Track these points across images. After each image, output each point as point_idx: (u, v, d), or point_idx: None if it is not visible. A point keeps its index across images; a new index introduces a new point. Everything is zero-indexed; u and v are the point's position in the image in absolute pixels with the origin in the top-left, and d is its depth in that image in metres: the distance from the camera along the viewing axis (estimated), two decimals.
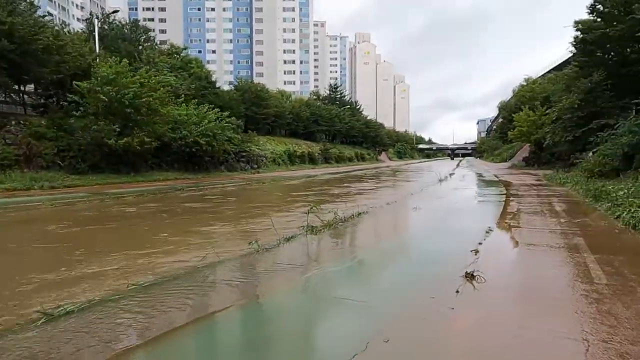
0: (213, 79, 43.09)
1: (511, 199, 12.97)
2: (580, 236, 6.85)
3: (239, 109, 41.13)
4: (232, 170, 32.09)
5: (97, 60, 25.92)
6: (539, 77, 54.47)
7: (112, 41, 38.83)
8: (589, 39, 26.46)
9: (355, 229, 8.25)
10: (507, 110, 51.35)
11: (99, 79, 21.45)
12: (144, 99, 21.62)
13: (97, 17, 36.99)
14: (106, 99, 20.54)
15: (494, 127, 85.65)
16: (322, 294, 4.39)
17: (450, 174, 29.67)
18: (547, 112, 35.81)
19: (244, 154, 35.04)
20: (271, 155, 40.40)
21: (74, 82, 21.70)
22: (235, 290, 4.38)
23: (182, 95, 28.08)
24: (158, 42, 46.49)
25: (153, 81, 22.92)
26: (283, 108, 50.03)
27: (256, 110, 44.17)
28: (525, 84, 52.67)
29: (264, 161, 37.89)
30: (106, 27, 41.23)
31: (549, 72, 56.71)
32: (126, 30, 44.44)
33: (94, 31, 38.03)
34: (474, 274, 4.58)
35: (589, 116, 26.33)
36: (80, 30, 40.09)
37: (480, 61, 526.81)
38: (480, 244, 6.35)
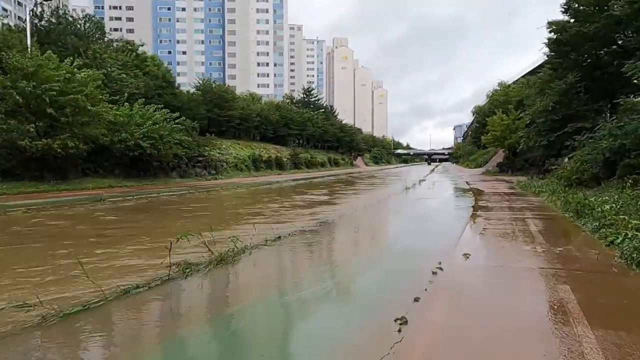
0: (172, 79, 40.20)
1: (479, 213, 10.86)
2: (566, 282, 4.65)
3: (199, 111, 38.41)
4: (185, 176, 29.32)
5: (29, 54, 22.90)
6: (513, 82, 53.57)
7: (60, 36, 35.66)
8: (563, 39, 25.03)
9: (243, 270, 5.88)
10: (481, 115, 50.12)
11: (16, 73, 18.53)
12: (70, 96, 18.78)
13: (34, 9, 33.74)
14: (19, 97, 17.63)
15: (469, 132, 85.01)
16: None
17: (421, 181, 27.74)
18: (520, 115, 34.44)
19: (201, 159, 32.30)
20: (234, 160, 37.72)
21: None
22: None
23: (126, 94, 25.18)
24: (115, 39, 43.23)
25: (83, 75, 20.05)
26: (250, 110, 47.39)
27: (219, 112, 41.41)
28: (499, 88, 51.57)
29: (225, 167, 35.19)
30: (54, 20, 37.96)
31: (522, 77, 56.02)
32: (79, 26, 41.21)
33: (38, 24, 35.01)
34: None
35: (564, 119, 24.86)
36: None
37: (457, 69, 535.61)
38: (416, 299, 4.07)
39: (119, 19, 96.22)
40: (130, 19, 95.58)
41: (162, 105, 27.39)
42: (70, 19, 40.81)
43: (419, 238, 7.83)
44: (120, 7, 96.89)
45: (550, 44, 26.68)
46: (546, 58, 29.88)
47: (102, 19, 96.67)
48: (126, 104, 24.46)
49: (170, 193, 18.89)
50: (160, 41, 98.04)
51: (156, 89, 34.52)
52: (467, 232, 8.14)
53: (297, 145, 65.33)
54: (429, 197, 16.86)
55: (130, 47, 40.89)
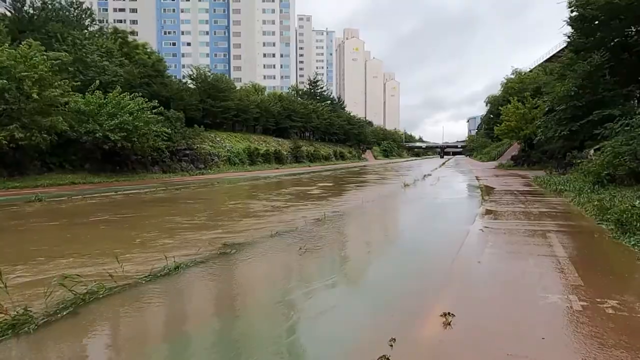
0: (163, 68, 37.88)
1: (484, 222, 8.21)
2: None
3: (190, 101, 36.07)
4: (169, 171, 27.01)
5: None
6: (529, 70, 49.77)
7: (44, 23, 33.65)
8: (588, 14, 21.91)
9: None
10: (495, 104, 46.66)
11: None
12: (9, 81, 16.40)
13: None
14: None
15: (483, 124, 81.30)
16: None
17: (425, 176, 24.94)
18: (537, 104, 31.24)
19: (188, 152, 29.96)
20: (227, 153, 35.33)
21: None
22: None
23: (97, 81, 22.78)
24: (104, 26, 41.06)
25: (36, 59, 17.63)
26: (248, 101, 44.86)
27: (213, 102, 38.96)
28: (513, 76, 47.73)
29: (215, 161, 32.82)
30: (37, 6, 35.96)
31: (539, 65, 52.29)
32: (67, 13, 39.14)
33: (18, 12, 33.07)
34: None
35: (588, 106, 21.86)
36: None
37: (470, 61, 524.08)
38: None
39: (123, 10, 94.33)
40: (133, 10, 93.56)
41: (141, 94, 24.97)
42: (58, 5, 38.78)
43: (381, 290, 5.12)
44: None
45: (573, 20, 23.60)
46: (567, 39, 26.54)
47: (106, 10, 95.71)
48: (97, 91, 22.12)
49: (133, 191, 16.54)
50: (165, 32, 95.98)
51: (142, 78, 32.21)
52: (460, 261, 5.51)
53: (301, 138, 62.78)
54: (426, 198, 14.15)
55: (120, 35, 38.72)
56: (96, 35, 36.32)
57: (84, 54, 27.25)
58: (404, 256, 6.01)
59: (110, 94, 22.83)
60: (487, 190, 15.52)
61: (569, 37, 25.52)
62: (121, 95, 22.87)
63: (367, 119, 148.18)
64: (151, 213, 10.98)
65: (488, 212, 9.80)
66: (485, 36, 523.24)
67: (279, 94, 59.24)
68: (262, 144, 44.88)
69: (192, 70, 40.63)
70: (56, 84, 18.07)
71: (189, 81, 40.68)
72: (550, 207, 10.28)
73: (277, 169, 38.85)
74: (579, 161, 19.91)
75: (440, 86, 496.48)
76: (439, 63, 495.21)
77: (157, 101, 33.07)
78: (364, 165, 51.61)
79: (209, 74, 41.17)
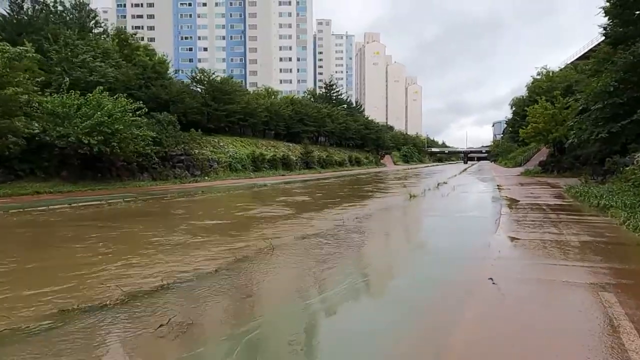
0: (165, 70, 36.25)
1: (493, 274, 5.52)
2: None
3: (191, 104, 34.22)
4: (159, 178, 24.98)
5: None
6: (559, 69, 45.63)
7: (43, 25, 32.55)
8: None
9: None
10: (520, 106, 42.96)
11: None
12: None
13: None
14: None
15: (508, 127, 77.08)
16: None
17: (440, 185, 22.02)
18: (569, 104, 27.83)
19: (183, 158, 27.92)
20: (228, 159, 33.19)
21: None
22: None
23: (67, 80, 20.86)
24: (107, 27, 39.82)
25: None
26: (256, 105, 42.78)
27: (216, 106, 37.01)
28: (539, 77, 43.42)
29: (215, 167, 30.70)
30: (37, 8, 35.01)
31: (570, 64, 48.35)
32: (70, 15, 38.12)
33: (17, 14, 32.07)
34: None
35: (631, 103, 18.71)
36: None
37: (496, 65, 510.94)
38: None
39: (141, 16, 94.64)
40: (151, 16, 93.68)
41: (139, 97, 22.97)
42: (61, 8, 37.77)
43: None
44: (141, 5, 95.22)
45: (611, 6, 20.51)
46: (602, 31, 23.17)
47: (124, 17, 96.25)
48: (73, 92, 20.25)
49: (95, 202, 14.40)
50: (182, 38, 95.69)
51: (137, 79, 30.48)
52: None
53: (315, 143, 60.39)
54: (430, 216, 11.42)
55: (122, 36, 37.35)
56: (97, 37, 34.99)
57: (74, 54, 25.66)
58: (440, 252, 3.43)
59: (91, 94, 20.96)
60: (509, 204, 12.65)
61: (604, 28, 22.20)
62: (102, 95, 20.96)
63: (388, 123, 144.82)
64: (64, 234, 8.69)
65: (506, 241, 7.06)
66: (510, 40, 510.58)
67: (291, 97, 56.98)
68: (269, 149, 42.66)
69: (195, 73, 38.84)
70: (16, 81, 16.18)
71: (194, 84, 38.91)
72: (595, 234, 7.43)
73: (283, 175, 36.46)
74: (622, 167, 16.75)
75: (465, 91, 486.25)
76: (463, 68, 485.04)
77: (154, 103, 31.73)
78: (379, 172, 48.68)
79: (214, 76, 39.30)
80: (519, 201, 13.46)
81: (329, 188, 22.23)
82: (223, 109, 37.42)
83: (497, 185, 21.40)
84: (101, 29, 39.53)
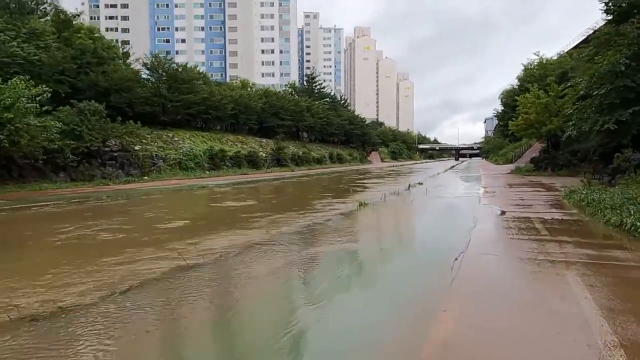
0: (109, 55, 32.00)
1: None
2: None
3: (138, 93, 30.04)
4: (80, 179, 20.85)
5: None
6: (555, 56, 41.87)
7: None
8: None
9: None
10: (510, 97, 39.12)
11: None
12: None
13: None
14: None
15: (498, 122, 73.46)
16: None
17: (412, 185, 18.09)
18: (565, 91, 24.02)
19: (117, 154, 23.78)
20: (178, 157, 29.05)
21: None
22: None
23: None
24: (49, 9, 35.44)
25: None
26: (220, 96, 38.59)
27: (171, 96, 32.82)
28: (530, 66, 39.59)
29: (159, 165, 26.53)
30: None
31: (565, 53, 44.61)
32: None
33: None
34: None
35: None
36: None
37: (489, 63, 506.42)
38: None
39: (115, 5, 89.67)
40: (124, 6, 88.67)
41: (27, 77, 18.50)
42: None
43: None
44: None
45: None
46: (603, 6, 19.11)
47: (97, 6, 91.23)
48: None
49: None
50: (158, 29, 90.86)
51: (69, 63, 26.21)
52: None
53: (294, 139, 56.31)
54: (366, 245, 7.53)
55: (62, 17, 32.98)
56: (33, 18, 30.54)
57: None
58: None
59: None
60: (488, 219, 8.77)
61: (606, 3, 18.14)
62: None
63: (379, 120, 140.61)
64: None
65: (454, 322, 3.15)
66: (503, 38, 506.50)
67: (265, 90, 52.80)
68: (234, 146, 38.54)
69: (147, 58, 34.55)
70: None
71: (145, 71, 34.66)
72: (630, 297, 3.53)
73: (246, 174, 32.36)
74: (634, 165, 13.03)
75: (457, 88, 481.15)
76: (456, 65, 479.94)
77: (93, 92, 27.50)
78: (357, 170, 44.70)
79: (169, 62, 35.06)
80: (504, 213, 9.58)
81: (276, 191, 18.25)
82: (178, 99, 33.22)
83: (483, 187, 17.55)
84: (44, 10, 35.07)
